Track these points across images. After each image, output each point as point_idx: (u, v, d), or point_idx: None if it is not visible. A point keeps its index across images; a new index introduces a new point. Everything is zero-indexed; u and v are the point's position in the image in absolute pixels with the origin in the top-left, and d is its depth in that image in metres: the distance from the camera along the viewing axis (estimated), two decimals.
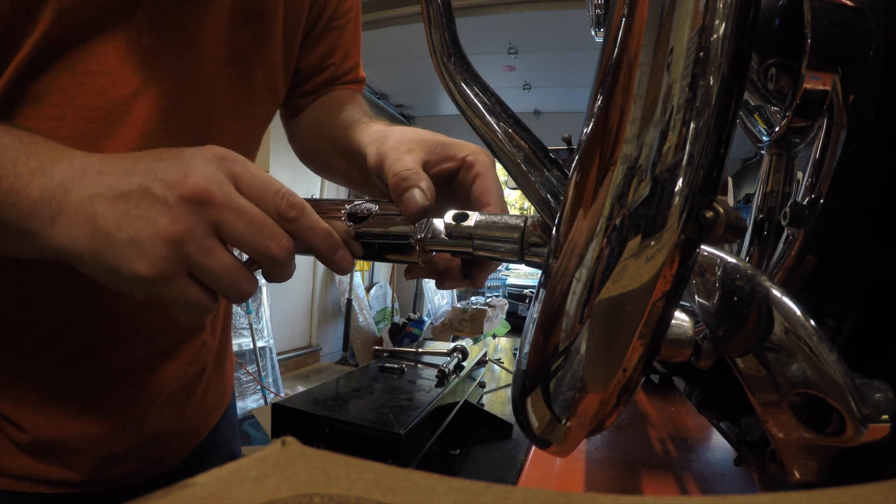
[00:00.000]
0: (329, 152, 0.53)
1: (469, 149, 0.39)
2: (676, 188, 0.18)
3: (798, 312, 0.21)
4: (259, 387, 2.84)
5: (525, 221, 0.32)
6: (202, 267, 0.27)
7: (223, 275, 0.27)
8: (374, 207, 0.35)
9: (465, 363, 0.93)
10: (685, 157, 0.18)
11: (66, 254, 0.28)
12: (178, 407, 0.54)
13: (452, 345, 1.00)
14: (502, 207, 0.37)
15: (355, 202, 0.36)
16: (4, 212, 0.27)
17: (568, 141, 0.78)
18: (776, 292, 0.22)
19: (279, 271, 0.30)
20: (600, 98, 0.21)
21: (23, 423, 0.43)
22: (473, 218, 0.32)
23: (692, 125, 0.18)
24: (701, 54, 0.18)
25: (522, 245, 0.31)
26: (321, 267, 3.79)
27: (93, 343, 0.44)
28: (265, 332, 3.07)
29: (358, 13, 0.61)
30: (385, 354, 1.05)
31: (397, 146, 0.38)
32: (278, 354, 3.23)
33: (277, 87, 0.53)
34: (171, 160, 0.27)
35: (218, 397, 0.61)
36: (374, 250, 0.35)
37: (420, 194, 0.34)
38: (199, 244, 0.26)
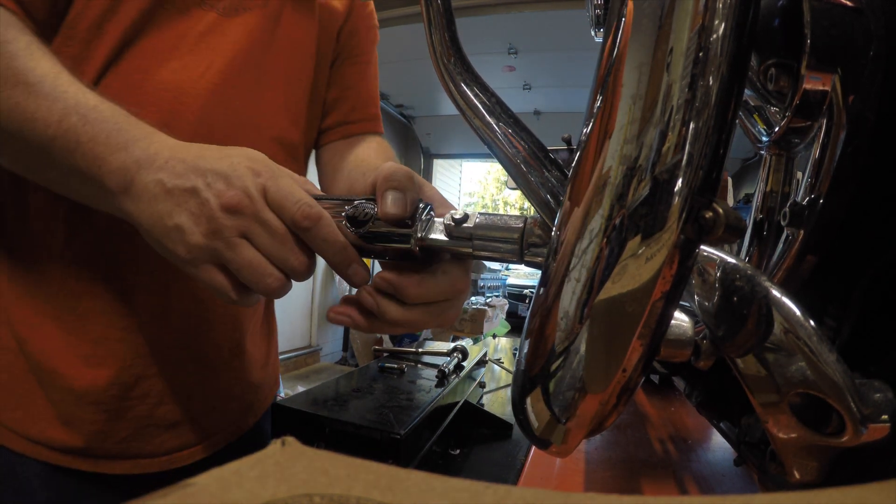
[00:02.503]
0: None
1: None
2: (676, 188, 0.18)
3: (798, 313, 0.21)
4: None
5: (525, 222, 0.32)
6: (228, 259, 0.32)
7: (245, 268, 0.32)
8: (374, 209, 0.35)
9: (465, 363, 0.93)
10: (685, 157, 0.18)
11: (131, 218, 0.34)
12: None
13: (452, 345, 1.00)
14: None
15: (355, 201, 0.35)
16: (92, 169, 0.34)
17: (568, 141, 0.78)
18: (776, 292, 0.22)
19: (300, 280, 0.34)
20: (600, 98, 0.21)
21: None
22: (473, 219, 0.32)
23: (692, 125, 0.18)
24: (700, 54, 0.18)
25: (522, 245, 0.31)
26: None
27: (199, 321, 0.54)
28: None
29: (372, 60, 0.70)
30: (385, 354, 1.05)
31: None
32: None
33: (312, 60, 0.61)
34: (220, 166, 0.33)
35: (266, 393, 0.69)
36: (375, 251, 0.35)
37: (400, 198, 0.34)
38: (226, 242, 0.32)
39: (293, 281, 0.35)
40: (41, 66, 0.37)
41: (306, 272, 0.34)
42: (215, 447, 0.60)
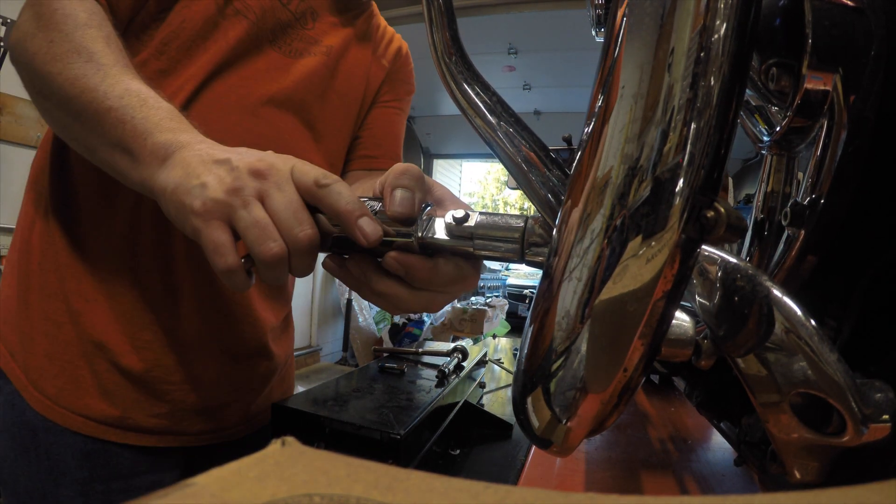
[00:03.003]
0: None
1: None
2: (677, 188, 0.18)
3: (799, 312, 0.21)
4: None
5: (525, 221, 0.32)
6: (239, 217, 0.33)
7: (252, 227, 0.33)
8: (377, 205, 0.35)
9: (465, 363, 0.93)
10: (686, 157, 0.18)
11: (157, 189, 0.36)
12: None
13: (452, 345, 1.00)
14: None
15: (361, 199, 0.36)
16: (137, 142, 0.37)
17: (568, 141, 0.78)
18: (777, 292, 0.22)
19: (301, 260, 0.34)
20: (601, 98, 0.20)
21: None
22: (474, 218, 0.32)
23: (693, 125, 0.18)
24: (702, 54, 0.18)
25: (523, 245, 0.31)
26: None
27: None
28: None
29: (404, 110, 0.75)
30: (385, 354, 1.05)
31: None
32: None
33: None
34: (254, 152, 0.36)
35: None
36: (376, 249, 0.35)
37: (408, 197, 0.34)
38: (243, 199, 0.33)
39: (295, 276, 0.36)
40: (114, 54, 0.42)
41: (307, 250, 0.34)
42: (236, 436, 0.64)
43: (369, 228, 0.33)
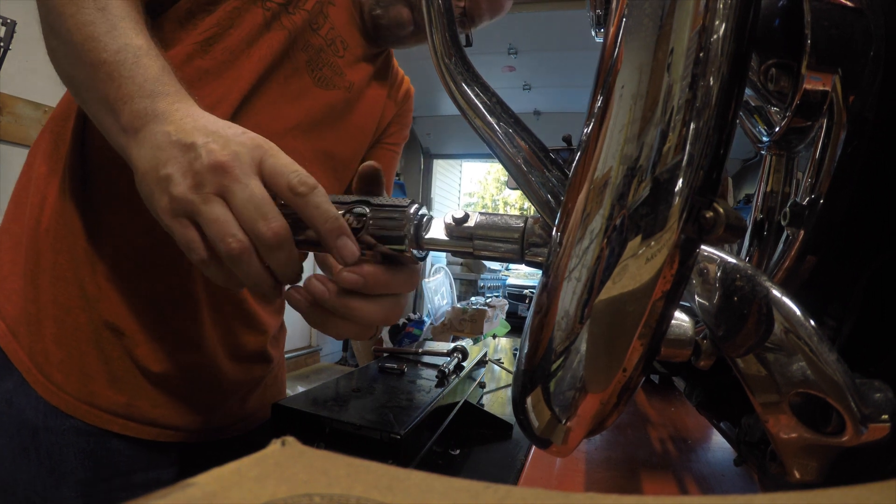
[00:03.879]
0: None
1: None
2: (676, 188, 0.18)
3: (798, 312, 0.21)
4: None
5: (525, 222, 0.32)
6: (199, 213, 0.33)
7: (212, 223, 0.32)
8: (367, 212, 0.34)
9: (465, 363, 0.93)
10: (685, 157, 0.18)
11: (132, 160, 0.36)
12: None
13: (452, 345, 1.00)
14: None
15: (349, 202, 0.35)
16: (118, 104, 0.37)
17: (568, 141, 0.77)
18: (776, 292, 0.22)
19: (273, 256, 0.33)
20: (600, 98, 0.21)
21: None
22: (474, 218, 0.32)
23: (692, 125, 0.18)
24: (701, 55, 0.18)
25: (523, 245, 0.31)
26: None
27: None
28: None
29: (399, 153, 0.78)
30: (385, 355, 1.05)
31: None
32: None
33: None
34: (227, 132, 0.35)
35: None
36: (373, 251, 0.35)
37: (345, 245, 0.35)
38: (203, 196, 0.32)
39: (281, 280, 0.35)
40: (128, 9, 0.41)
41: (274, 244, 0.32)
42: (230, 434, 0.65)
43: (347, 252, 0.33)
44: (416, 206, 0.34)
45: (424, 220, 0.34)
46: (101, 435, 0.53)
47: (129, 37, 0.39)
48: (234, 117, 0.53)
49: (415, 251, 0.34)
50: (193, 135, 0.34)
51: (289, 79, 0.57)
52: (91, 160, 0.53)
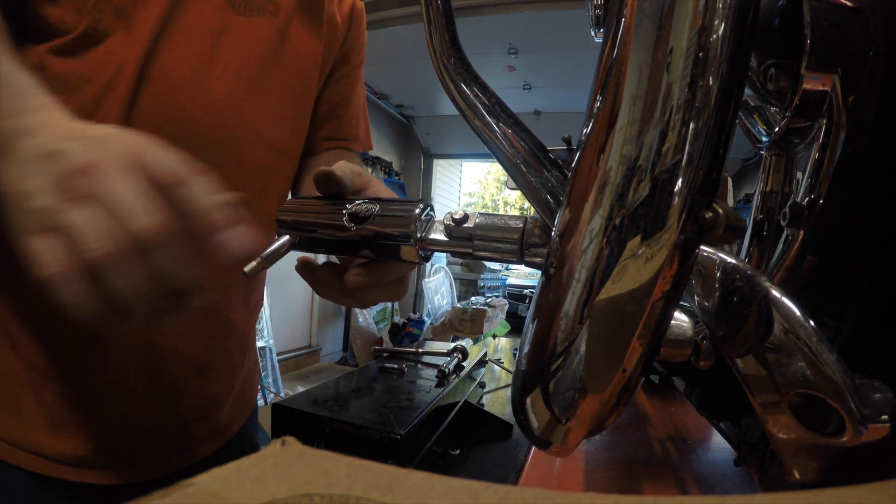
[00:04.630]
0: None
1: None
2: (676, 188, 0.18)
3: (798, 313, 0.21)
4: (259, 387, 2.84)
5: (525, 222, 0.32)
6: (66, 221, 0.27)
7: (81, 228, 0.27)
8: (375, 208, 0.35)
9: (465, 363, 0.93)
10: (685, 157, 0.18)
11: (2, 188, 0.30)
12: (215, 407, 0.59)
13: (452, 345, 1.00)
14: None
15: (356, 201, 0.36)
16: None
17: (568, 141, 0.77)
18: (776, 292, 0.22)
19: (157, 256, 0.28)
20: (600, 98, 0.21)
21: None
22: (473, 219, 0.33)
23: (692, 125, 0.18)
24: (700, 55, 0.18)
25: (522, 245, 0.31)
26: None
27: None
28: (265, 332, 3.07)
29: (360, 79, 0.70)
30: (385, 354, 1.05)
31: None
32: (278, 354, 3.23)
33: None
34: (97, 135, 0.31)
35: (250, 398, 0.68)
36: (375, 250, 0.35)
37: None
38: (70, 203, 0.28)
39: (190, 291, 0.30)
40: None
41: (160, 242, 0.28)
42: (197, 457, 0.58)
43: (237, 243, 0.29)
44: (421, 206, 0.35)
45: (427, 220, 0.35)
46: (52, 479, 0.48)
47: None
48: (142, 79, 0.46)
49: (420, 251, 0.34)
50: (61, 142, 0.30)
51: (202, 15, 0.49)
52: None
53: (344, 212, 0.35)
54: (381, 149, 4.62)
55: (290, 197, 0.63)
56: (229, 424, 0.63)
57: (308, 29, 0.58)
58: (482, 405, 0.95)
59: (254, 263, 0.34)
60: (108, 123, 0.37)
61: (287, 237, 0.37)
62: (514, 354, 1.46)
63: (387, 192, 0.41)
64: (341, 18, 0.64)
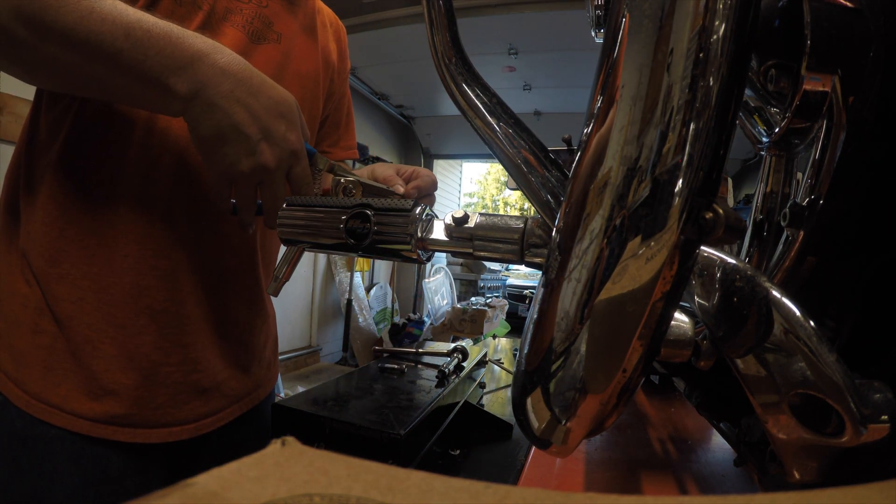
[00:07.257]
0: None
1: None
2: (676, 189, 0.18)
3: (798, 313, 0.21)
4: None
5: (525, 222, 0.32)
6: (274, 140, 0.46)
7: (281, 142, 0.46)
8: (371, 225, 0.35)
9: (465, 364, 0.93)
10: (685, 158, 0.18)
11: (190, 125, 0.45)
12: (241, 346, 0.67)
13: (452, 345, 1.00)
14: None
15: (350, 210, 0.36)
16: (161, 79, 0.43)
17: (568, 142, 0.78)
18: (776, 293, 0.22)
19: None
20: (600, 98, 0.21)
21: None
22: (474, 219, 0.33)
23: (692, 126, 0.18)
24: (701, 55, 0.18)
25: (523, 246, 0.31)
26: (321, 267, 3.79)
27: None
28: None
29: (347, 95, 0.81)
30: (385, 355, 1.05)
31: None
32: (277, 345, 3.22)
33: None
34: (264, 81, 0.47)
35: (273, 350, 0.78)
36: (376, 251, 0.35)
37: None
38: (272, 141, 0.45)
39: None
40: None
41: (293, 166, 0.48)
42: (233, 415, 0.65)
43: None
44: (419, 207, 0.35)
45: (427, 221, 0.35)
46: (88, 443, 0.53)
47: (122, 17, 0.41)
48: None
49: (420, 251, 0.34)
50: (246, 99, 0.44)
51: (231, 43, 0.57)
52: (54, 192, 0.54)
53: (341, 227, 0.36)
54: (382, 149, 4.62)
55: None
56: (256, 390, 0.70)
57: (306, 53, 0.69)
58: (482, 405, 0.95)
59: (274, 284, 0.45)
60: (157, 133, 0.53)
61: (294, 249, 0.41)
62: (514, 355, 1.46)
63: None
64: (334, 46, 0.76)
